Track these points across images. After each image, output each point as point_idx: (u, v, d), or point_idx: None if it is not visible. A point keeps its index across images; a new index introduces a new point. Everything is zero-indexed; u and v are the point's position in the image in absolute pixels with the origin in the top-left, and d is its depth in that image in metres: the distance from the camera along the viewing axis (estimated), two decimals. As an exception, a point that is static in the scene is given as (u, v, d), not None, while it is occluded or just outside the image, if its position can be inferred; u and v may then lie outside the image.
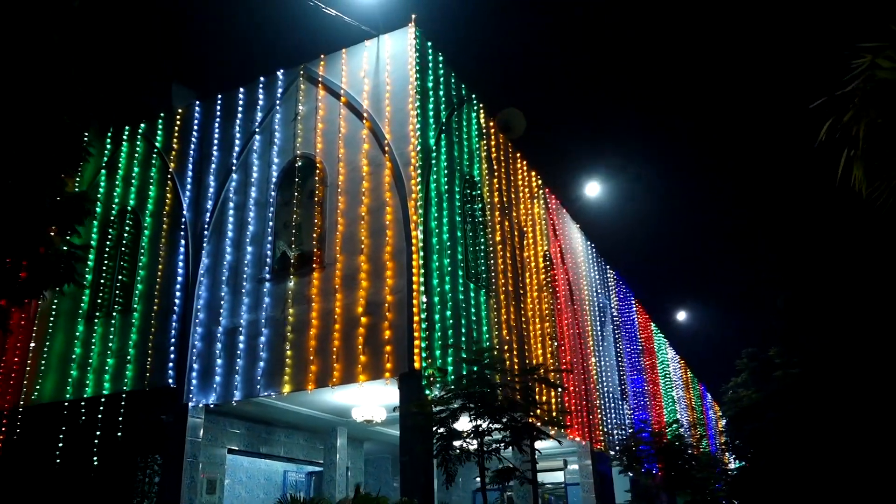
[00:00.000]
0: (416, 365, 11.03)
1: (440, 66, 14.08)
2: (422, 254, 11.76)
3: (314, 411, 14.69)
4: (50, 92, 10.67)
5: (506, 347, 14.41)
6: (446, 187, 13.20)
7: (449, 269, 12.61)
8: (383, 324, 11.58)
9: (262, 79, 14.74)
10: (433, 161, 12.89)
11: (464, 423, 10.16)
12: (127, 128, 16.16)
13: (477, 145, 15.16)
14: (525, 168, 18.08)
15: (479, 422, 9.94)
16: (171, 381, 13.19)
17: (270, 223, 13.45)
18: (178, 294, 13.80)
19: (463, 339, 12.59)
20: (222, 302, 13.32)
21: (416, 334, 11.22)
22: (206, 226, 14.10)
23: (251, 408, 13.78)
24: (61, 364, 14.59)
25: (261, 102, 14.59)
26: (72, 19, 11.12)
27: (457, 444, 10.01)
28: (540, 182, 18.96)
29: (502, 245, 15.39)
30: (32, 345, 15.04)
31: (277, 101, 14.41)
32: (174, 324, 13.62)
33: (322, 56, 14.20)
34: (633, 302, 27.77)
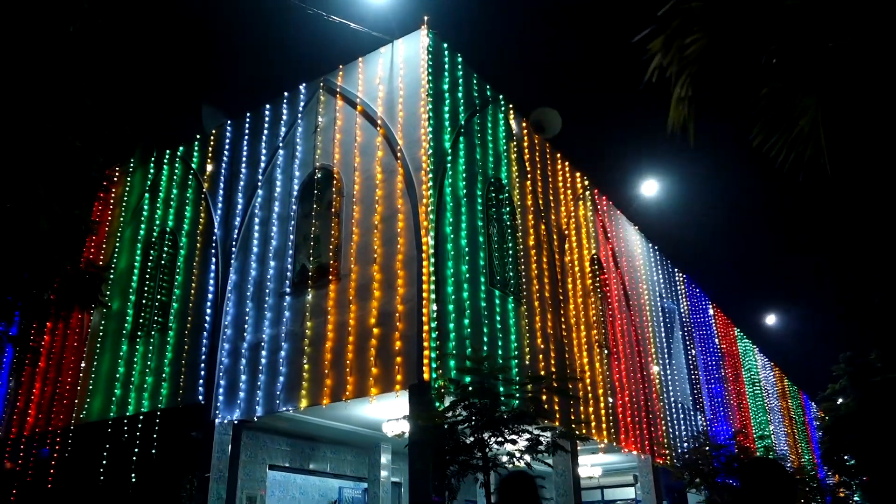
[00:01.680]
0: (426, 376, 10.58)
1: (458, 67, 13.66)
2: (433, 260, 11.32)
3: (352, 426, 14.46)
4: (59, 116, 10.96)
5: (540, 357, 13.71)
6: (465, 191, 12.72)
7: (468, 275, 12.09)
8: (394, 334, 11.20)
9: (286, 94, 14.79)
10: (448, 164, 12.45)
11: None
12: (167, 151, 16.61)
13: (505, 147, 14.60)
14: (567, 169, 17.32)
15: (480, 434, 9.36)
16: (200, 397, 13.29)
17: (291, 237, 13.39)
18: (208, 311, 13.95)
19: (485, 348, 12.01)
20: (247, 317, 13.33)
21: (425, 344, 10.77)
22: (234, 242, 14.21)
23: (284, 423, 13.70)
24: (108, 383, 15.03)
25: (285, 117, 14.63)
26: (83, 42, 11.43)
27: (462, 457, 9.47)
28: (586, 183, 18.13)
29: (537, 249, 14.71)
30: (83, 365, 15.59)
31: (300, 115, 14.40)
32: (204, 340, 13.75)
33: (340, 67, 14.09)
34: (709, 306, 26.19)
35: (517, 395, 10.24)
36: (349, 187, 12.93)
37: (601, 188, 18.99)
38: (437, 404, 10.27)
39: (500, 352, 12.43)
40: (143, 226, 16.18)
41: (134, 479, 13.59)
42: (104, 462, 14.16)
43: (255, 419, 12.58)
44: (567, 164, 17.37)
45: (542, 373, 13.57)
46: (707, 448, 16.14)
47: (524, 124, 15.68)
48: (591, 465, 19.68)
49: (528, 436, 9.64)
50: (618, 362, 17.09)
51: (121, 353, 15.10)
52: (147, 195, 16.56)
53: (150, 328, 14.98)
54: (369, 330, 11.54)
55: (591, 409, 15.11)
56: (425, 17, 13.12)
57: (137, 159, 17.20)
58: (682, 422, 20.31)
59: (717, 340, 26.00)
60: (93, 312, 16.12)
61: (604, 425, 15.47)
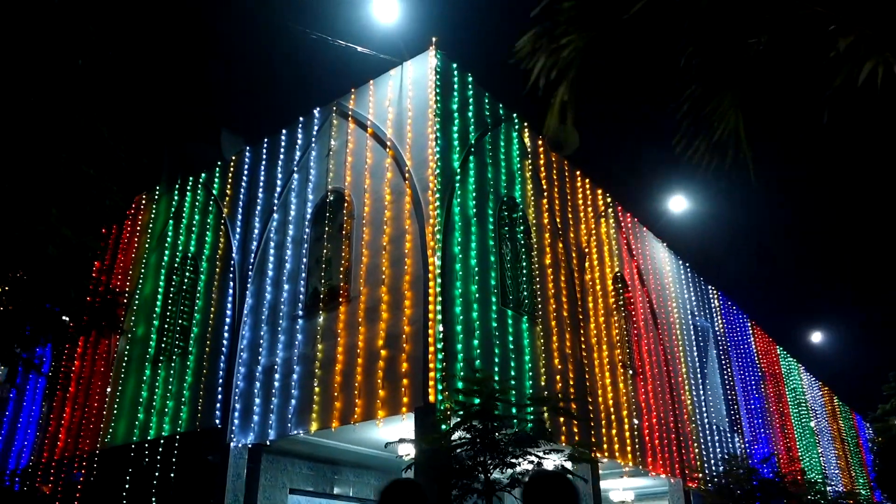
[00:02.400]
0: (431, 398, 10.43)
1: (469, 86, 13.63)
2: (439, 280, 11.21)
3: (373, 450, 14.35)
4: (72, 144, 11.24)
5: (557, 377, 13.42)
6: (475, 210, 12.61)
7: (477, 295, 11.94)
8: (401, 356, 11.11)
9: (301, 119, 14.97)
10: (457, 184, 12.38)
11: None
12: (190, 178, 16.93)
13: (519, 165, 14.47)
14: (588, 186, 17.07)
15: (481, 457, 9.15)
16: (217, 421, 13.37)
17: (304, 260, 13.45)
18: (226, 335, 14.07)
19: (496, 369, 11.82)
20: (262, 341, 13.41)
21: (430, 366, 10.64)
22: (250, 266, 14.35)
23: (303, 447, 13.66)
24: (131, 407, 15.25)
25: (299, 142, 14.79)
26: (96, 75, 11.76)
27: (464, 481, 9.27)
28: (609, 200, 17.84)
29: (554, 268, 14.48)
30: (108, 389, 15.87)
31: (313, 139, 14.54)
32: (222, 364, 13.86)
33: (352, 90, 14.20)
34: (748, 324, 25.40)
35: (527, 416, 10.02)
36: (359, 209, 12.96)
37: (625, 205, 18.68)
38: (444, 427, 10.10)
39: (512, 373, 12.22)
40: (167, 252, 16.49)
41: (154, 502, 13.69)
42: (127, 486, 14.32)
43: (268, 443, 12.58)
44: (587, 181, 17.13)
45: (560, 394, 13.28)
46: (741, 471, 15.50)
47: (540, 142, 15.53)
48: (622, 489, 19.18)
49: (533, 458, 9.39)
50: (644, 382, 16.64)
51: (144, 378, 15.33)
52: (171, 222, 16.89)
53: (171, 352, 15.19)
54: (377, 352, 11.47)
55: (614, 432, 14.71)
56: (434, 39, 13.16)
57: (163, 187, 17.59)
58: (717, 444, 19.64)
59: (756, 359, 25.17)
60: (118, 338, 16.44)
61: (628, 448, 15.04)
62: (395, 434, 11.74)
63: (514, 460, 9.17)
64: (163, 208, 17.37)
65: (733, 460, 16.20)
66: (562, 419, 11.97)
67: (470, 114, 13.43)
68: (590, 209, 16.83)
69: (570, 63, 3.01)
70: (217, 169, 16.45)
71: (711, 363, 21.52)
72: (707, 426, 19.34)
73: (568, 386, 13.66)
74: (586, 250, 16.07)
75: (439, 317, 10.96)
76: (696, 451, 18.12)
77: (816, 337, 32.46)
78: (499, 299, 12.55)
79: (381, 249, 12.21)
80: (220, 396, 13.56)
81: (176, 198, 17.11)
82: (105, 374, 16.24)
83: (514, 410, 10.15)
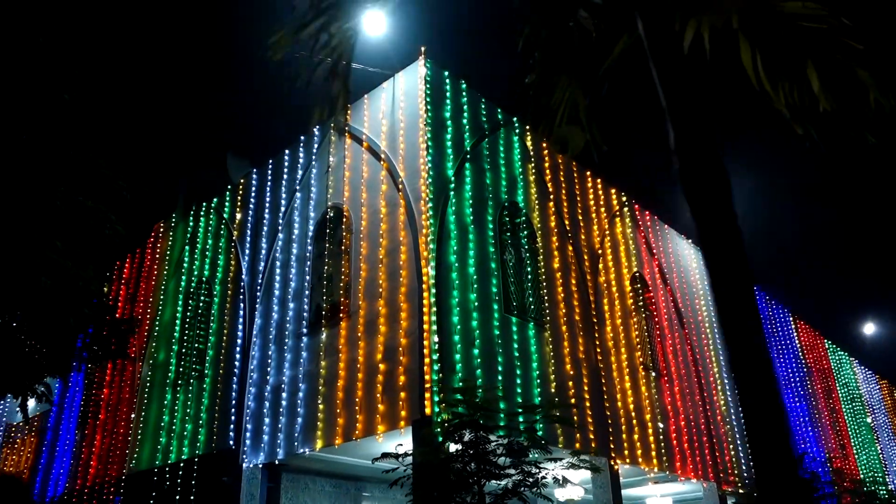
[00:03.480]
0: (427, 411, 10.25)
1: (462, 93, 13.49)
2: (434, 291, 11.05)
3: (390, 464, 14.20)
4: (68, 177, 11.48)
5: (570, 384, 13.07)
6: (472, 218, 12.43)
7: (477, 304, 11.73)
8: (398, 369, 10.97)
9: (301, 137, 15.05)
10: (451, 192, 12.22)
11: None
12: (204, 204, 17.20)
13: (521, 169, 14.23)
14: (600, 186, 16.69)
15: (470, 468, 8.91)
16: (231, 442, 13.44)
17: (307, 277, 13.46)
18: (237, 356, 14.18)
19: (499, 378, 11.57)
20: (270, 360, 13.45)
21: (427, 378, 10.47)
22: (259, 287, 14.45)
23: (320, 465, 13.62)
24: (154, 432, 15.48)
25: (301, 160, 14.87)
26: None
27: (458, 495, 9.04)
28: (623, 199, 17.41)
29: (563, 272, 14.16)
30: (133, 415, 16.15)
31: (314, 157, 14.60)
32: (234, 385, 13.96)
33: (348, 106, 14.20)
34: (789, 319, 24.43)
35: (519, 425, 9.74)
36: (357, 224, 12.92)
37: (643, 203, 18.20)
38: (440, 439, 9.90)
39: (518, 381, 11.95)
40: (183, 277, 16.75)
41: (175, 527, 13.83)
42: (151, 510, 14.51)
43: (277, 462, 12.57)
44: (599, 181, 16.75)
45: (557, 400, 12.93)
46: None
47: (544, 144, 15.26)
48: (660, 496, 18.59)
49: (530, 469, 9.11)
50: (670, 384, 16.10)
51: (165, 402, 15.55)
52: (187, 248, 17.16)
53: (189, 376, 15.37)
54: (376, 366, 11.36)
55: (636, 437, 14.25)
56: (422, 48, 13.07)
57: (179, 214, 17.91)
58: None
59: (801, 355, 24.16)
60: (141, 364, 16.75)
61: (653, 452, 14.53)
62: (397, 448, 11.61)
63: (509, 471, 8.92)
64: (179, 235, 17.68)
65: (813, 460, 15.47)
66: (574, 426, 11.59)
67: (464, 120, 13.27)
68: (602, 209, 16.44)
69: (342, 49, 2.86)
70: (227, 193, 16.66)
71: (748, 361, 20.70)
72: (743, 428, 18.56)
73: (582, 391, 13.30)
74: (599, 251, 15.68)
75: (434, 327, 10.78)
76: (732, 453, 17.43)
77: (869, 328, 31.07)
78: (501, 306, 12.31)
79: (378, 263, 12.13)
80: (233, 417, 13.64)
81: (191, 224, 17.39)
82: (130, 400, 16.55)
83: (513, 419, 9.86)
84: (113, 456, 16.22)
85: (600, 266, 15.49)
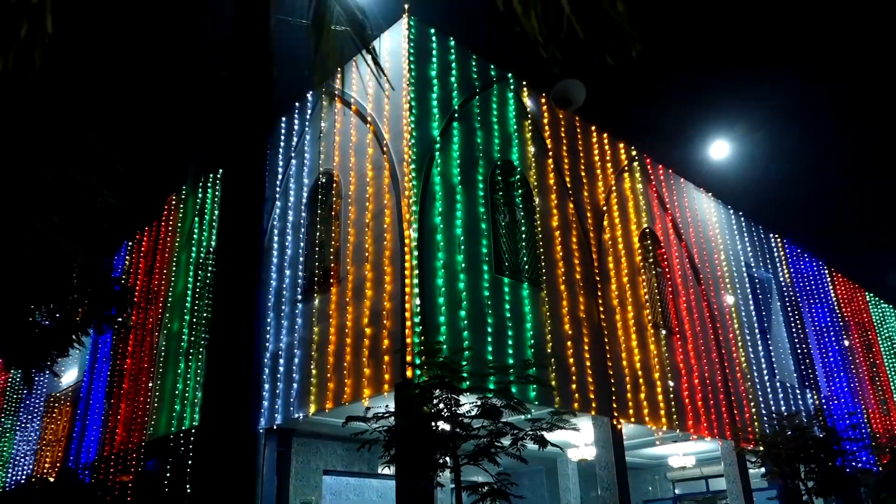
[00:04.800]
0: (409, 373, 10.20)
1: (451, 51, 13.15)
2: (416, 254, 10.92)
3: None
4: (57, 151, 11.65)
5: (569, 343, 12.85)
6: (460, 178, 12.19)
7: (464, 265, 11.56)
8: (383, 333, 10.93)
9: (296, 104, 14.97)
10: (437, 152, 11.99)
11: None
12: (211, 175, 17.36)
13: (516, 126, 13.86)
14: (606, 140, 16.18)
15: (442, 430, 8.85)
16: (235, 408, 13.67)
17: (301, 244, 13.49)
18: (240, 324, 14.35)
19: (489, 339, 11.43)
20: (269, 328, 13.58)
21: (408, 341, 10.40)
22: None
23: (327, 429, 13.78)
24: (170, 400, 15.89)
25: (296, 127, 14.81)
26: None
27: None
28: (633, 153, 16.85)
29: (563, 230, 13.83)
30: (150, 384, 16.61)
31: (307, 123, 14.51)
32: (238, 353, 14.15)
33: (339, 69, 14.02)
34: (824, 271, 23.51)
35: (512, 384, 9.56)
36: (346, 189, 12.83)
37: (655, 156, 17.60)
38: (416, 402, 9.85)
39: (510, 342, 11.78)
40: (194, 249, 17.01)
41: (189, 491, 14.23)
42: (167, 475, 14.96)
43: (275, 427, 12.76)
44: (605, 135, 16.23)
45: (572, 360, 12.74)
46: (790, 431, 14.28)
47: (543, 100, 14.82)
48: (682, 455, 18.31)
49: (500, 428, 9.00)
50: (682, 342, 15.69)
51: (179, 371, 15.93)
52: (196, 219, 17.39)
53: (199, 345, 15.68)
54: (363, 330, 11.35)
55: (642, 396, 13.96)
56: (406, 6, 12.75)
57: (189, 186, 18.13)
58: (782, 403, 18.31)
59: (837, 308, 23.27)
60: (158, 334, 17.17)
61: (661, 411, 14.23)
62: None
63: (482, 431, 8.83)
64: (190, 207, 17.92)
65: (784, 419, 14.99)
66: (551, 386, 11.39)
67: (452, 79, 12.95)
68: (609, 164, 15.96)
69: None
70: (231, 163, 16.75)
71: (775, 316, 20.07)
72: (768, 384, 18.06)
73: (582, 351, 13.06)
74: (604, 208, 15.24)
75: (416, 290, 10.68)
76: (754, 411, 16.96)
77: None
78: (492, 267, 12.11)
79: (364, 227, 12.05)
80: (237, 384, 13.86)
81: (199, 195, 17.59)
82: (149, 369, 17.01)
83: (484, 379, 9.72)
84: (135, 423, 16.75)
85: (605, 223, 15.08)
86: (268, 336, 13.52)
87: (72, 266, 11.38)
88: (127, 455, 16.65)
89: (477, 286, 11.68)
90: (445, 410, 8.95)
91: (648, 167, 17.22)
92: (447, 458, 8.97)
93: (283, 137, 15.10)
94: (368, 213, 12.04)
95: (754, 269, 19.93)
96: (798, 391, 19.34)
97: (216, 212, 16.80)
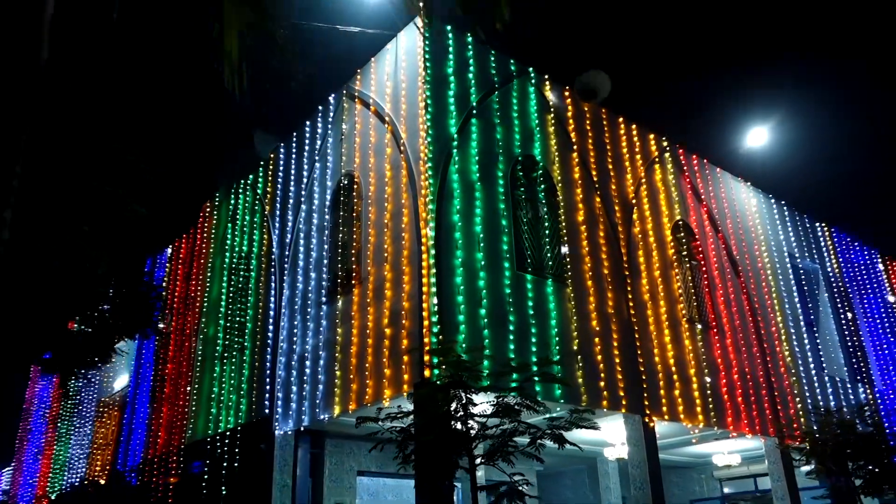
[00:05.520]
0: (427, 373, 10.12)
1: (468, 47, 13.03)
2: (433, 252, 10.84)
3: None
4: (86, 164, 11.98)
5: (596, 340, 12.58)
6: (479, 175, 12.06)
7: (484, 262, 11.43)
8: (402, 333, 10.88)
9: (319, 107, 15.06)
10: (454, 150, 11.88)
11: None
12: (241, 182, 17.62)
13: (538, 121, 13.65)
14: (635, 132, 15.81)
15: (460, 429, 8.74)
16: (266, 411, 13.84)
17: (325, 246, 13.55)
18: (270, 328, 14.52)
19: (510, 337, 11.26)
20: (296, 330, 13.69)
21: (426, 340, 10.32)
22: (286, 259, 14.69)
23: (362, 429, 13.80)
24: (207, 403, 16.18)
25: (319, 130, 14.90)
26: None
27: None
28: (664, 144, 16.43)
29: (589, 225, 13.56)
30: (188, 388, 16.94)
31: (329, 126, 14.58)
32: (268, 356, 14.32)
33: (357, 71, 14.06)
34: (877, 259, 22.51)
35: (510, 384, 9.41)
36: (366, 190, 12.84)
37: (689, 147, 17.12)
38: (432, 401, 9.75)
39: (533, 339, 11.59)
40: (227, 254, 17.28)
41: (224, 492, 14.45)
42: (205, 477, 15.23)
43: (302, 428, 12.84)
44: (634, 127, 15.86)
45: (600, 357, 12.46)
46: (835, 426, 13.66)
47: (566, 93, 14.57)
48: (727, 453, 17.77)
49: (514, 427, 8.83)
50: (720, 337, 15.20)
51: (214, 375, 16.20)
52: (229, 225, 17.67)
53: (232, 349, 15.92)
54: (383, 331, 11.32)
55: (676, 392, 13.58)
56: (420, 4, 12.65)
57: (222, 193, 18.44)
58: (832, 398, 17.58)
59: (892, 298, 22.24)
60: (196, 339, 17.50)
61: (698, 408, 13.82)
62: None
63: (500, 429, 8.70)
64: (223, 213, 18.22)
65: (829, 414, 14.35)
66: (568, 384, 11.12)
67: (470, 75, 12.83)
68: (638, 156, 15.58)
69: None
70: (260, 169, 16.98)
71: (823, 308, 19.30)
72: (815, 379, 17.37)
73: (611, 348, 12.77)
74: (633, 201, 14.89)
75: (434, 289, 10.59)
76: (799, 406, 16.32)
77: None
78: (513, 264, 11.93)
79: (383, 227, 12.03)
80: (267, 387, 14.03)
81: (232, 202, 17.87)
82: (187, 374, 17.35)
83: (500, 378, 9.56)
84: (175, 427, 17.10)
85: (634, 216, 14.72)
86: (295, 339, 13.63)
87: (101, 275, 11.69)
88: (168, 458, 17.01)
89: (498, 284, 11.53)
90: (460, 410, 8.84)
91: (681, 158, 16.76)
92: (464, 458, 8.86)
93: (307, 141, 15.22)
94: (387, 214, 12.01)
95: (799, 260, 19.21)
96: (849, 385, 18.55)
97: (246, 218, 17.06)
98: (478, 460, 8.84)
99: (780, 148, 18.42)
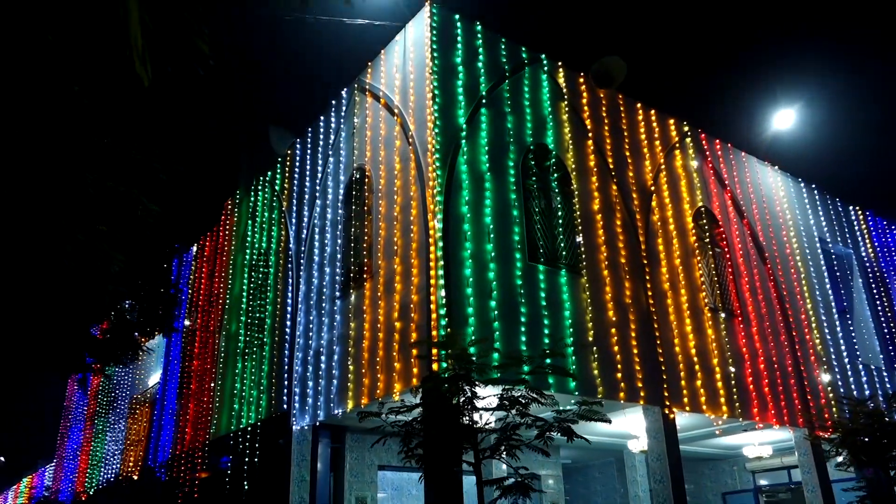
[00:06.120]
0: (434, 366, 10.01)
1: (477, 35, 12.85)
2: (441, 244, 10.71)
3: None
4: (97, 162, 12.11)
5: (612, 330, 12.33)
6: (488, 165, 11.89)
7: (494, 254, 11.27)
8: (411, 326, 10.79)
9: (332, 102, 15.03)
10: (463, 140, 11.73)
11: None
12: (261, 178, 17.72)
13: (550, 109, 13.42)
14: (654, 118, 15.45)
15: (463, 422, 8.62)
16: (285, 406, 13.90)
17: (339, 241, 13.52)
18: (287, 323, 14.58)
19: (522, 329, 11.09)
20: (311, 325, 13.71)
21: (434, 333, 10.22)
22: (302, 254, 14.72)
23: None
24: (230, 399, 16.33)
25: (333, 125, 14.87)
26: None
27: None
28: (685, 129, 16.03)
29: (605, 213, 13.30)
30: (212, 385, 17.12)
31: (342, 120, 14.54)
32: (286, 351, 14.38)
33: (368, 64, 13.99)
34: (916, 243, 21.72)
35: (520, 376, 9.25)
36: (376, 183, 12.76)
37: (712, 131, 16.69)
38: (457, 394, 9.64)
39: (546, 330, 11.40)
40: (248, 251, 17.40)
41: (247, 487, 14.56)
42: (228, 473, 15.38)
43: (318, 423, 12.85)
44: (653, 112, 15.50)
45: (617, 348, 12.22)
46: (863, 417, 13.17)
47: (580, 80, 14.29)
48: (757, 444, 17.36)
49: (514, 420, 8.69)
50: (745, 325, 14.79)
51: (237, 371, 16.33)
52: (249, 222, 17.79)
53: (253, 345, 16.02)
54: (393, 325, 11.25)
55: (698, 382, 13.25)
56: (427, -8, 12.54)
57: (242, 191, 18.57)
58: (867, 386, 17.02)
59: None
60: (219, 336, 17.66)
61: (721, 399, 13.47)
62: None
63: (504, 421, 8.57)
64: (244, 211, 18.35)
65: (859, 403, 13.83)
66: (571, 375, 10.87)
67: (479, 64, 12.65)
68: (657, 142, 15.22)
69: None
70: (278, 166, 17.05)
71: (857, 294, 18.69)
72: (848, 367, 16.82)
73: (629, 338, 12.51)
74: (652, 188, 14.55)
75: (441, 282, 10.47)
76: (831, 395, 15.82)
77: None
78: (525, 255, 11.74)
79: (393, 220, 11.94)
80: (285, 382, 14.09)
81: (251, 199, 17.99)
82: (211, 370, 17.54)
83: (505, 370, 9.40)
84: (201, 423, 17.31)
85: (653, 203, 14.39)
86: (311, 334, 13.65)
87: (115, 274, 11.84)
88: (194, 454, 17.22)
89: (508, 275, 11.36)
90: (466, 403, 8.72)
91: (703, 143, 16.33)
92: (468, 451, 8.74)
93: (322, 135, 15.21)
94: (397, 207, 11.92)
95: (830, 245, 18.62)
96: (885, 373, 17.94)
97: (265, 214, 17.14)
98: (487, 453, 8.71)
99: (809, 129, 17.86)
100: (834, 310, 17.42)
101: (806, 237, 17.78)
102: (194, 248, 21.22)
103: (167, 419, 19.73)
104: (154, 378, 23.20)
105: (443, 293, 10.40)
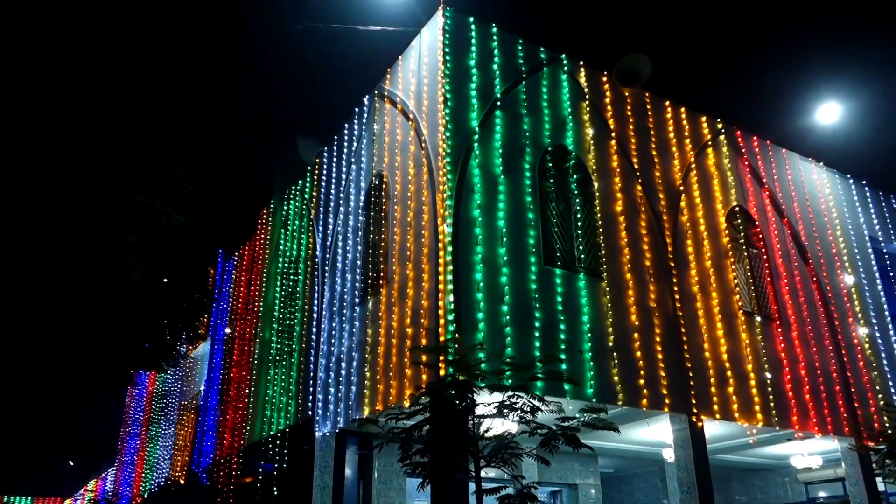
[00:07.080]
0: (442, 372, 9.89)
1: (493, 37, 12.70)
2: (450, 249, 10.59)
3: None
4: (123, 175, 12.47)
5: (635, 335, 11.95)
6: (502, 168, 11.71)
7: (506, 257, 11.07)
8: (421, 332, 10.69)
9: (356, 109, 15.11)
10: (475, 144, 11.58)
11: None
12: (292, 187, 17.96)
13: (570, 109, 13.14)
14: (684, 115, 14.96)
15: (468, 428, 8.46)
16: (309, 412, 13.99)
17: (359, 247, 13.55)
18: (314, 330, 14.69)
19: (536, 334, 10.85)
20: (334, 332, 13.76)
21: (441, 339, 10.09)
22: (327, 262, 14.82)
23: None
24: (262, 405, 16.56)
25: (356, 132, 14.95)
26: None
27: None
28: (718, 126, 15.46)
29: (629, 215, 12.92)
30: (246, 391, 17.39)
31: (364, 127, 14.60)
32: (311, 358, 14.49)
33: (388, 70, 14.01)
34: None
35: (504, 382, 9.01)
36: (393, 189, 12.74)
37: (749, 128, 16.05)
38: (456, 401, 9.50)
39: (562, 336, 11.13)
40: (280, 259, 17.65)
41: (276, 493, 14.71)
42: (259, 478, 15.57)
43: (337, 430, 12.86)
44: (683, 109, 15.01)
45: (639, 353, 11.83)
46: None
47: (604, 79, 13.96)
48: (806, 454, 16.59)
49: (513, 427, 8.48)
50: (784, 330, 14.12)
51: (269, 378, 16.55)
52: (282, 231, 18.04)
53: (284, 352, 16.21)
54: (405, 330, 11.18)
55: (731, 389, 12.70)
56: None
57: (277, 200, 18.87)
58: (924, 393, 16.01)
59: None
60: (253, 343, 17.95)
61: (756, 406, 12.88)
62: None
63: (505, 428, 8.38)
64: (277, 220, 18.64)
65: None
66: (565, 380, 10.49)
67: (495, 66, 12.49)
68: (687, 140, 14.73)
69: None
70: (308, 174, 17.25)
71: (910, 295, 17.64)
72: (901, 372, 15.87)
73: (653, 343, 12.10)
74: (681, 188, 14.07)
75: (450, 287, 10.34)
76: (882, 403, 14.95)
77: None
78: (540, 259, 11.49)
79: (407, 226, 11.89)
80: (310, 389, 14.19)
81: (284, 208, 18.25)
82: (247, 377, 17.83)
83: (502, 376, 9.18)
84: (237, 429, 17.61)
85: (682, 204, 13.92)
86: (333, 341, 13.70)
87: (135, 284, 12.15)
88: (231, 460, 17.53)
89: (522, 279, 11.14)
90: (466, 409, 8.56)
91: (739, 140, 15.72)
92: (469, 459, 8.57)
93: (346, 143, 15.30)
94: (411, 212, 11.87)
95: (883, 244, 17.65)
96: (946, 380, 16.84)
97: (296, 222, 17.36)
98: (483, 463, 8.52)
99: (857, 123, 16.97)
100: (886, 312, 16.48)
101: (855, 236, 16.90)
102: (235, 257, 21.67)
103: (210, 425, 20.15)
104: (201, 385, 23.77)
105: (451, 298, 10.27)
